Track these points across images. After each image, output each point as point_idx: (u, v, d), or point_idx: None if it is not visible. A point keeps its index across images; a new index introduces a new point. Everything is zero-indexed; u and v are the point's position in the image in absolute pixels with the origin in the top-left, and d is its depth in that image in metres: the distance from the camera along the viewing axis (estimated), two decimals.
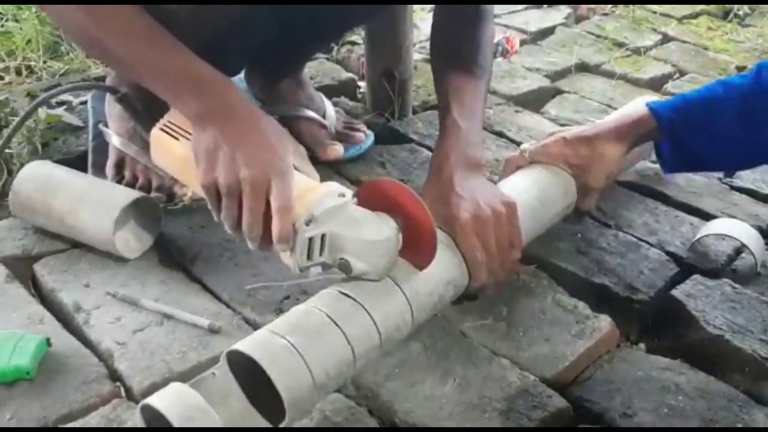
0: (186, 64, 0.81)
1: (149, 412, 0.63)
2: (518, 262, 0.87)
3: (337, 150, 1.25)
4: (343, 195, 0.74)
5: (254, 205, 0.73)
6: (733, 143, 0.96)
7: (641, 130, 0.99)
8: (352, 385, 0.83)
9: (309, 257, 0.73)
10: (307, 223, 0.71)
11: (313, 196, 0.73)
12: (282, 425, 0.67)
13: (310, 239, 0.72)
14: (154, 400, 0.63)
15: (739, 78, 0.96)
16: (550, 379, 0.84)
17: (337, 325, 0.71)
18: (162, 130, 0.84)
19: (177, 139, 0.82)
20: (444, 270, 0.81)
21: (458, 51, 1.03)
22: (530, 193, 0.95)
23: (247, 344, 0.68)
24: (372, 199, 0.77)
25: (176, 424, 0.61)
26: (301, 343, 0.68)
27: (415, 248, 0.77)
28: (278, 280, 0.95)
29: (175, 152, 0.82)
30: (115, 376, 0.83)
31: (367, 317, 0.73)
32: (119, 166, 1.13)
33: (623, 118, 1.01)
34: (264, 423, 0.68)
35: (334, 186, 0.76)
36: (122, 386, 0.82)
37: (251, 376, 0.67)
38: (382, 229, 0.74)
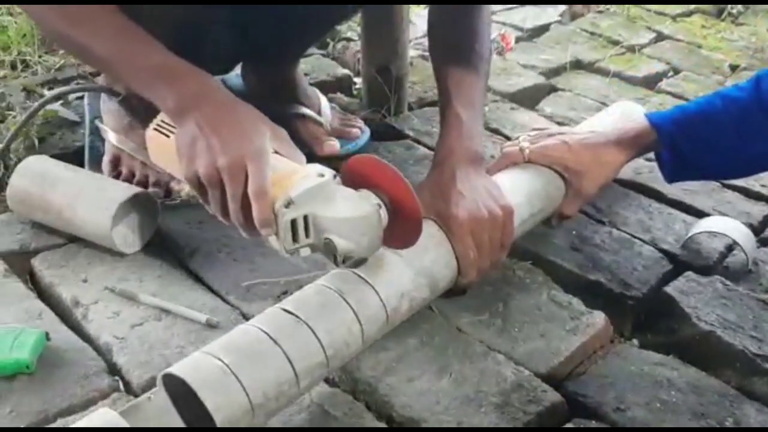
0: (159, 59, 0.82)
1: None
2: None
3: (333, 145, 1.26)
4: (322, 175, 0.74)
5: (234, 191, 0.74)
6: (731, 154, 0.98)
7: (642, 141, 1.01)
8: (350, 380, 0.83)
9: (295, 240, 0.73)
10: (287, 206, 0.71)
11: (293, 179, 0.73)
12: None
13: (293, 222, 0.72)
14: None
15: (737, 90, 0.98)
16: (545, 373, 0.85)
17: (275, 342, 0.70)
18: (155, 129, 0.84)
19: (168, 136, 0.82)
20: (396, 281, 0.80)
21: (456, 44, 1.04)
22: (521, 196, 0.95)
23: (180, 367, 0.67)
24: (355, 177, 0.77)
25: None
26: (235, 362, 0.67)
27: (401, 224, 0.77)
28: (275, 276, 0.96)
29: (169, 150, 0.82)
30: (113, 370, 0.84)
31: (308, 332, 0.72)
32: (116, 162, 1.13)
33: (624, 130, 1.03)
34: None
35: (314, 167, 0.76)
36: (121, 380, 0.82)
37: (190, 401, 0.66)
38: (362, 206, 0.74)
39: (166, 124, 0.83)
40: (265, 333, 0.71)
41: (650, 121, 1.00)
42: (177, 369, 0.67)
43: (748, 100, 0.95)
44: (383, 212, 0.75)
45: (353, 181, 0.77)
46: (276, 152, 0.78)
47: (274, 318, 0.74)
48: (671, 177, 1.05)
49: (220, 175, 0.74)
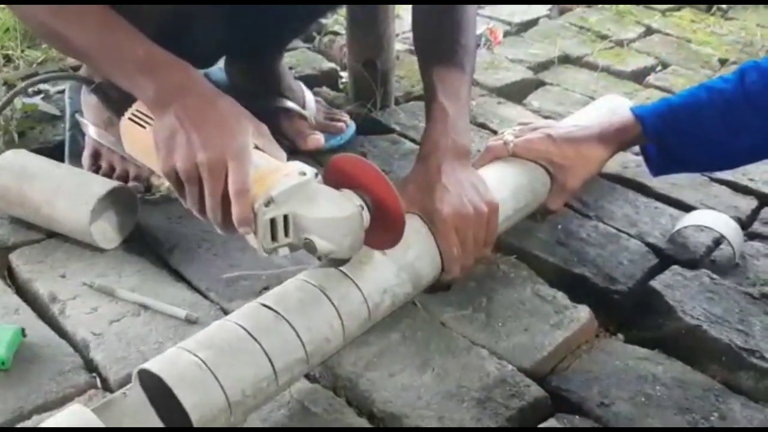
0: (144, 50, 0.81)
1: None
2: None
3: (318, 139, 1.25)
4: (304, 173, 0.73)
5: (213, 189, 0.73)
6: (717, 147, 0.98)
7: (626, 136, 1.01)
8: (330, 375, 0.82)
9: (274, 239, 0.72)
10: (267, 204, 0.70)
11: (274, 177, 0.72)
12: None
13: (272, 221, 0.71)
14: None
15: (722, 82, 0.97)
16: (528, 368, 0.84)
17: (254, 338, 0.69)
18: (130, 119, 0.83)
19: (144, 127, 0.81)
20: (378, 276, 0.79)
21: (441, 39, 1.02)
22: (506, 191, 0.95)
23: (156, 362, 0.66)
24: (338, 176, 0.76)
25: None
26: (211, 358, 0.66)
27: (383, 226, 0.76)
28: (257, 270, 0.95)
29: (143, 141, 0.81)
30: (91, 366, 0.82)
31: (288, 328, 0.71)
32: (96, 156, 1.12)
33: (609, 123, 1.02)
34: None
35: (296, 165, 0.75)
36: (98, 377, 0.81)
37: (166, 398, 0.65)
38: (344, 206, 0.73)
39: (142, 114, 0.82)
40: (244, 329, 0.70)
41: (635, 115, 0.99)
42: (153, 365, 0.66)
43: (733, 92, 0.94)
44: (365, 213, 0.74)
45: (336, 180, 0.76)
46: (257, 148, 0.76)
47: (253, 313, 0.73)
48: (657, 170, 1.05)
49: (198, 171, 0.73)
